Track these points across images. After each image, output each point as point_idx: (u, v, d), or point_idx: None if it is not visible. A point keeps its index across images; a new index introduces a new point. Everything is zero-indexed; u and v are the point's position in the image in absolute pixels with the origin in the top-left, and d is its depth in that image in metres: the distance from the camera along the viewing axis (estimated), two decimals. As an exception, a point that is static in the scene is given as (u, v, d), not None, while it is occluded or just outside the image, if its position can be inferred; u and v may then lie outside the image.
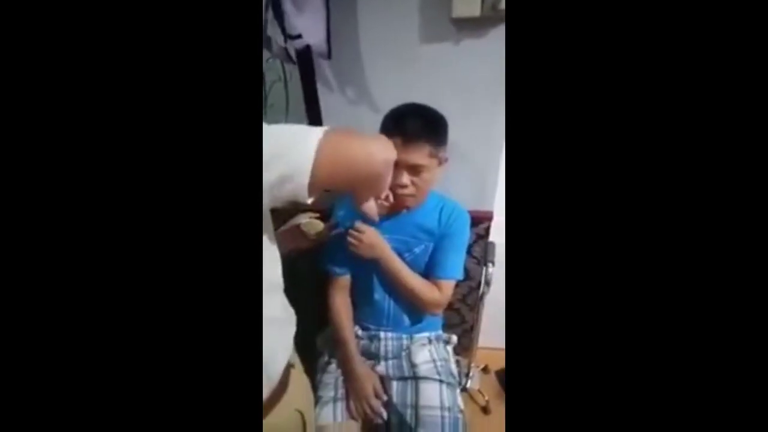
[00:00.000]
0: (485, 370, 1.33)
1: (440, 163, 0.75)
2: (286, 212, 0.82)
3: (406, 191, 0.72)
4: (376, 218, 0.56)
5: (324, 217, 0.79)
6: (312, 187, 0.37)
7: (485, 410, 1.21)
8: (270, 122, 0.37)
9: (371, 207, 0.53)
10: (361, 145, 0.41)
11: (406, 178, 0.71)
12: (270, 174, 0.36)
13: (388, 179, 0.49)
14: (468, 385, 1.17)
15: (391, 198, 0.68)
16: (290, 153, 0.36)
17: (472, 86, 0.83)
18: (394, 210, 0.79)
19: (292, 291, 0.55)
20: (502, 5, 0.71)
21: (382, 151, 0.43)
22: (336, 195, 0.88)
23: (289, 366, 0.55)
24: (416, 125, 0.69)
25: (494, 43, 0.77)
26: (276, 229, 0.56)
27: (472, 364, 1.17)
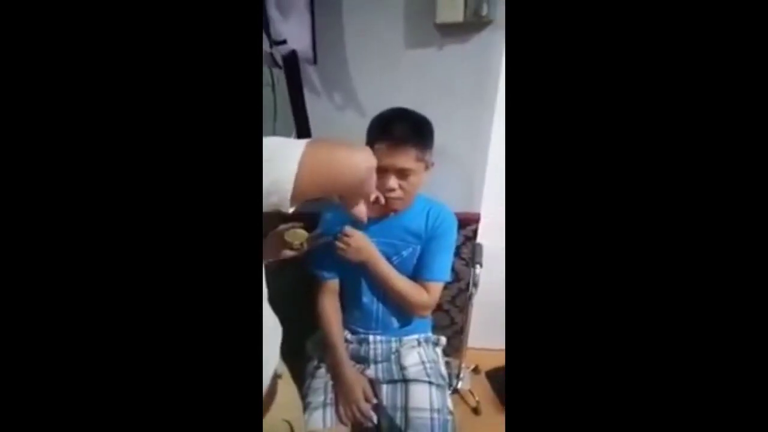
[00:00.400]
0: (476, 370, 1.33)
1: (427, 167, 0.76)
2: (268, 222, 0.82)
3: (393, 195, 0.73)
4: (365, 219, 0.56)
5: (307, 226, 0.79)
6: (294, 198, 0.38)
7: (476, 411, 1.22)
8: (258, 125, 0.37)
9: (361, 210, 0.53)
10: (342, 155, 0.43)
11: (393, 182, 0.72)
12: None
13: (372, 184, 0.49)
14: (459, 386, 1.18)
15: (381, 199, 0.69)
16: (273, 166, 0.37)
17: (457, 90, 0.84)
18: (383, 213, 0.79)
19: (279, 298, 0.55)
20: (485, 11, 0.72)
21: (362, 159, 0.44)
22: (321, 203, 0.88)
23: (276, 376, 0.55)
24: (403, 130, 0.70)
25: (477, 48, 0.79)
26: None
27: (463, 365, 1.18)
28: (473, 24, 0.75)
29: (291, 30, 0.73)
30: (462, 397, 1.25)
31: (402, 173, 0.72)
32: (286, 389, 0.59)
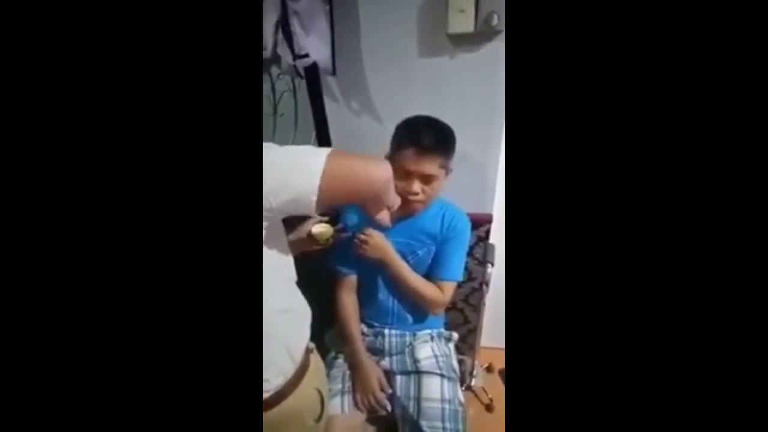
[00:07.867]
0: (489, 369, 1.36)
1: (447, 172, 0.80)
2: (295, 217, 0.87)
3: (417, 198, 0.77)
4: (390, 225, 0.61)
5: (332, 221, 0.84)
6: (319, 205, 0.42)
7: (489, 408, 1.24)
8: (280, 130, 0.41)
9: (384, 218, 0.58)
10: (360, 170, 0.46)
11: (417, 186, 0.76)
12: (283, 196, 0.41)
13: (391, 194, 0.54)
14: (472, 384, 1.21)
15: (398, 203, 0.74)
16: (297, 177, 0.41)
17: (468, 96, 0.88)
18: (405, 215, 0.83)
19: (306, 288, 0.61)
20: (494, 21, 0.76)
21: (379, 173, 0.48)
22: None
23: (308, 350, 0.61)
24: (430, 138, 0.74)
25: (487, 56, 0.82)
26: (288, 233, 0.62)
27: (476, 363, 1.21)
28: (483, 34, 0.79)
29: (312, 44, 0.79)
30: (475, 395, 1.28)
31: (426, 178, 0.76)
32: (317, 362, 0.65)
